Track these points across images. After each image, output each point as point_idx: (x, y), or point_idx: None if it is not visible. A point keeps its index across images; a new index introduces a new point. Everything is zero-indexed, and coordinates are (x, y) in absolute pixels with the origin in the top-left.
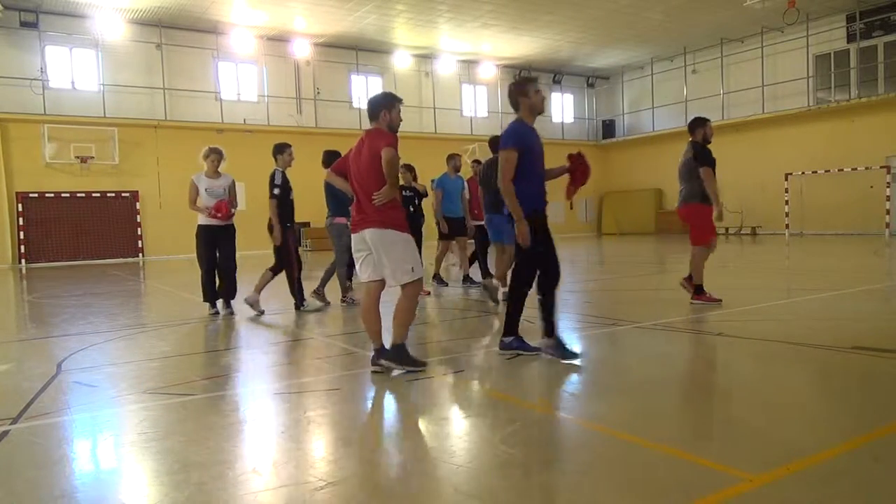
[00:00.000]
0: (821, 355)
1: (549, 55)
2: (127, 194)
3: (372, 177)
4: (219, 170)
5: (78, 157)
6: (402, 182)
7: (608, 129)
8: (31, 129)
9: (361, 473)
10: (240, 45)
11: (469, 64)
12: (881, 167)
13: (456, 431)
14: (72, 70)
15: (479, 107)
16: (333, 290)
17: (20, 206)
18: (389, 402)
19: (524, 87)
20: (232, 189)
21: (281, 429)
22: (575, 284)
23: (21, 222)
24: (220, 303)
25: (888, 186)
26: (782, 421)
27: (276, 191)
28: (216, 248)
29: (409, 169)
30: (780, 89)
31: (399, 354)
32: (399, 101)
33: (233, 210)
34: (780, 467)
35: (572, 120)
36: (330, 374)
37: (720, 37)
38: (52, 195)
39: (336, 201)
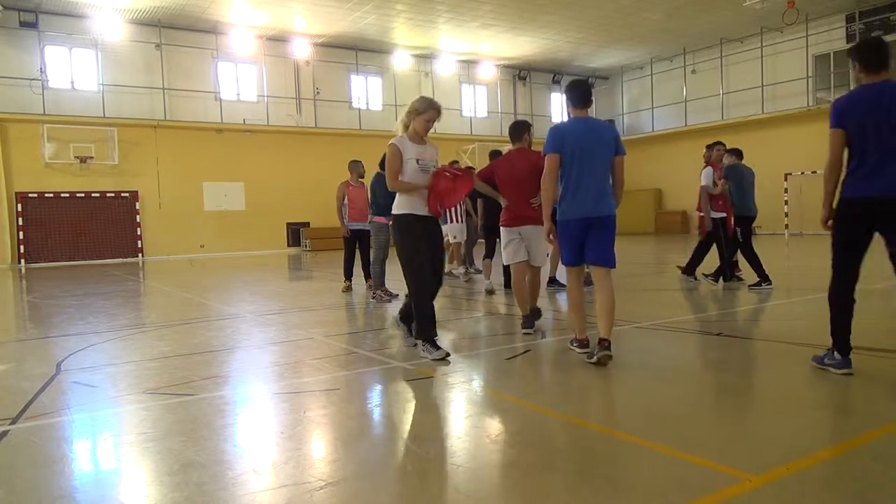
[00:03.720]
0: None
1: (548, 55)
2: (126, 194)
3: (531, 185)
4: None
5: (77, 158)
6: None
7: None
8: (30, 129)
9: (361, 473)
10: (239, 45)
11: (468, 64)
12: None
13: (456, 431)
14: (71, 70)
15: (479, 107)
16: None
17: (19, 206)
18: (389, 402)
19: None
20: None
21: (280, 429)
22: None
23: (20, 222)
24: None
25: None
26: (782, 421)
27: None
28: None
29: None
30: (779, 89)
31: (537, 313)
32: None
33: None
34: (779, 467)
35: None
36: (330, 374)
37: (720, 37)
38: (52, 195)
39: (378, 204)
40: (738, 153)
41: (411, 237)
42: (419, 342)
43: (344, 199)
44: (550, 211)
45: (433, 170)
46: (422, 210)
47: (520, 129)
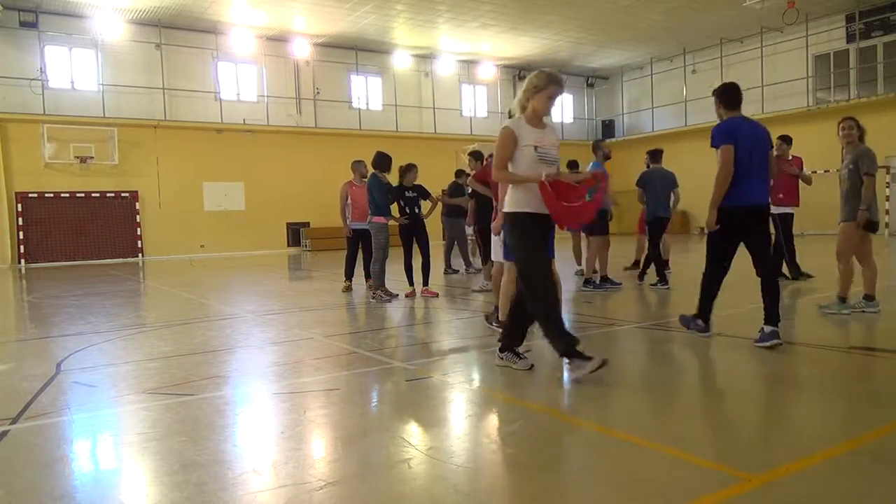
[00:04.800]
0: (821, 355)
1: (548, 55)
2: (126, 194)
3: None
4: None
5: (77, 158)
6: (406, 182)
7: (608, 129)
8: (30, 129)
9: (361, 473)
10: (239, 45)
11: (468, 64)
12: (881, 167)
13: (456, 431)
14: (71, 70)
15: (479, 107)
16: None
17: (20, 206)
18: (389, 402)
19: None
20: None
21: (280, 429)
22: (574, 284)
23: (20, 222)
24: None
25: (888, 186)
26: (782, 421)
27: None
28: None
29: (409, 168)
30: (779, 89)
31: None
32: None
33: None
34: (780, 467)
35: (572, 120)
36: (330, 374)
37: (720, 37)
38: (52, 195)
39: (376, 203)
40: (654, 155)
41: (529, 239)
42: (565, 358)
43: (347, 200)
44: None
45: (557, 163)
46: (541, 207)
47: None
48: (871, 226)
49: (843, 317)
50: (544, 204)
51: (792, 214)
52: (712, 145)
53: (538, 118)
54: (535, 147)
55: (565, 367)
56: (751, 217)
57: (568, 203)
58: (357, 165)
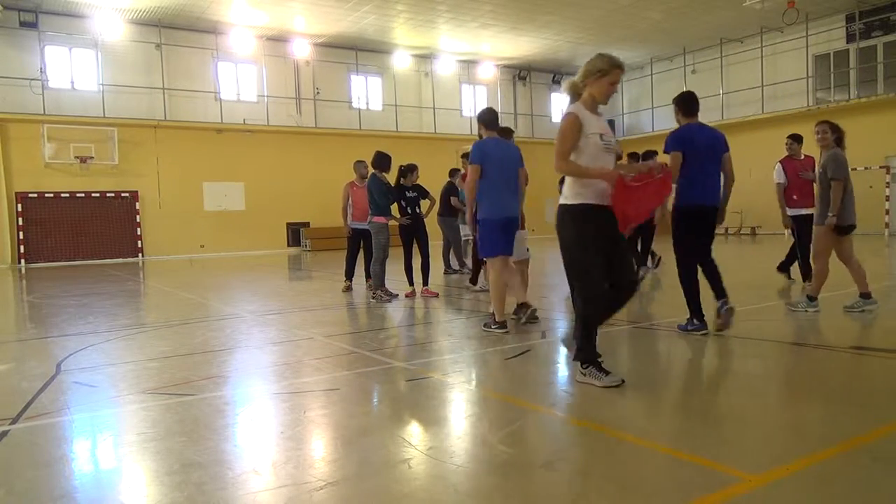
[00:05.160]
0: (820, 355)
1: (548, 55)
2: (126, 194)
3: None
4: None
5: (77, 157)
6: (406, 182)
7: None
8: (30, 129)
9: (361, 473)
10: (239, 45)
11: (468, 64)
12: (880, 167)
13: (456, 431)
14: (71, 70)
15: (479, 107)
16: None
17: (20, 206)
18: (389, 402)
19: None
20: None
21: (280, 429)
22: None
23: (20, 222)
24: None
25: (887, 186)
26: (781, 421)
27: None
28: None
29: (412, 169)
30: (779, 89)
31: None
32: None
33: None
34: (779, 467)
35: None
36: (330, 374)
37: (720, 37)
38: (52, 195)
39: (376, 203)
40: (645, 158)
41: (581, 233)
42: (580, 366)
43: (349, 200)
44: (473, 211)
45: (618, 149)
46: (603, 198)
47: (506, 135)
48: (841, 230)
49: (809, 315)
50: (612, 201)
51: (809, 216)
52: (665, 151)
53: (596, 106)
54: (601, 135)
55: (565, 366)
56: (707, 215)
57: (635, 192)
58: (358, 166)
